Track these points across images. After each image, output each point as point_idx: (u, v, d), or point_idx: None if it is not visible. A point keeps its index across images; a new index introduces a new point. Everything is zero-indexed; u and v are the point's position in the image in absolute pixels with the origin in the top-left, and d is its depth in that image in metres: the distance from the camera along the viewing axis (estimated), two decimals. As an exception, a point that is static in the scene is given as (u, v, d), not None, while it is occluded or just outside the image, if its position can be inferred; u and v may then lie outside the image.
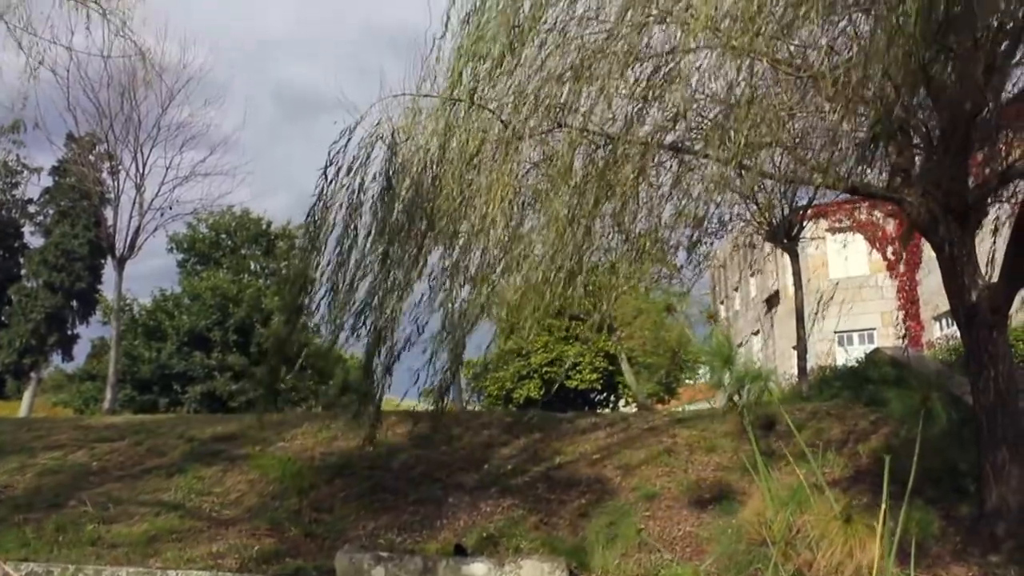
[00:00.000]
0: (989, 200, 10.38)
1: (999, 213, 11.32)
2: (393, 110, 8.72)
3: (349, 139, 8.70)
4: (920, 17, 6.39)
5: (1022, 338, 22.08)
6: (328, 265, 9.29)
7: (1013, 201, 10.86)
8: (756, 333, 38.42)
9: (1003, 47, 8.21)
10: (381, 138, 8.68)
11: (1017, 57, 8.38)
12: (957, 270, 9.73)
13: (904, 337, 29.77)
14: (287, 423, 15.54)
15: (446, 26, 8.47)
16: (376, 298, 9.07)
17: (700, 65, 7.98)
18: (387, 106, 8.66)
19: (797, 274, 19.63)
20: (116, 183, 25.38)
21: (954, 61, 7.87)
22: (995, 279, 9.98)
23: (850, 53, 7.74)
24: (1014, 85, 9.35)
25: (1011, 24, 7.60)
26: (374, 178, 8.74)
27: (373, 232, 9.04)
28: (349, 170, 8.81)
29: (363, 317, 9.21)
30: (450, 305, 8.78)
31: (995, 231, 11.27)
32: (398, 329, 9.25)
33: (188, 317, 29.92)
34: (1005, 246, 9.90)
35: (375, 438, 11.40)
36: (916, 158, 9.89)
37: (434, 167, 8.35)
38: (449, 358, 8.96)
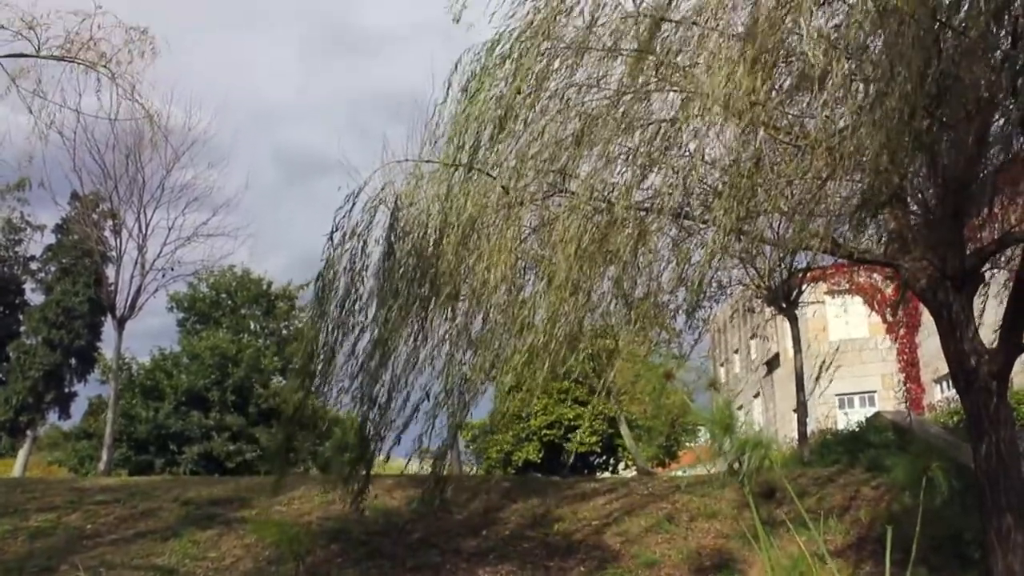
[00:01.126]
0: (987, 266, 10.45)
1: (998, 278, 11.40)
2: (396, 175, 8.85)
3: (353, 204, 8.83)
4: (914, 89, 6.53)
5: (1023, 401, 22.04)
6: (331, 328, 9.32)
7: (1010, 267, 10.93)
8: (757, 396, 38.25)
9: (995, 117, 8.35)
10: (384, 203, 8.79)
11: (1009, 127, 8.52)
12: (956, 335, 9.74)
13: (905, 401, 29.63)
14: (286, 485, 15.38)
15: (447, 93, 8.64)
16: (374, 362, 9.07)
17: (700, 132, 8.12)
18: (390, 171, 8.80)
19: (796, 338, 19.64)
20: (119, 243, 25.55)
21: (948, 131, 8.00)
22: (994, 344, 9.98)
23: (847, 122, 7.87)
24: (1008, 153, 9.49)
25: (1001, 96, 7.74)
26: (377, 242, 8.83)
27: (375, 296, 9.09)
28: (353, 235, 8.91)
29: (360, 380, 9.21)
30: (451, 369, 8.78)
31: (988, 295, 11.32)
32: (395, 393, 9.23)
33: (187, 376, 29.80)
34: (1003, 311, 9.93)
35: (363, 503, 11.26)
36: (913, 224, 9.98)
37: (436, 232, 8.44)
38: (448, 423, 8.92)
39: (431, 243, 8.47)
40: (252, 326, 34.60)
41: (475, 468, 33.04)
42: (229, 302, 34.80)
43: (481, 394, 9.24)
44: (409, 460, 9.93)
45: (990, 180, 9.11)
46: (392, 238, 8.76)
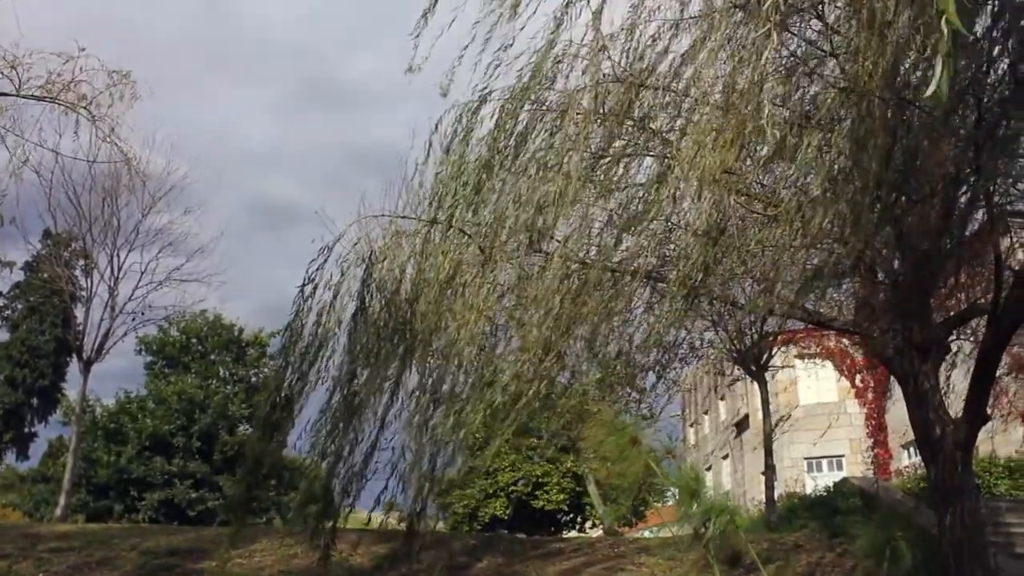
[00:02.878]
0: (953, 336, 10.64)
1: (965, 347, 11.59)
2: (372, 229, 8.90)
3: (327, 256, 8.85)
4: (880, 166, 6.72)
5: (988, 469, 22.19)
6: (299, 381, 9.28)
7: (975, 338, 11.13)
8: (726, 457, 38.26)
9: (960, 192, 8.59)
10: (360, 257, 8.83)
11: (972, 202, 8.76)
12: (922, 404, 9.87)
13: (869, 467, 29.77)
14: (246, 538, 15.10)
15: (428, 152, 8.76)
16: (342, 415, 9.03)
17: (676, 197, 8.28)
18: (366, 224, 8.85)
19: (765, 401, 19.77)
20: (89, 283, 25.31)
21: (914, 205, 8.22)
22: (960, 414, 10.12)
23: (817, 193, 8.06)
24: (972, 227, 9.74)
25: (965, 172, 7.98)
26: (350, 296, 8.85)
27: (346, 350, 9.08)
28: (326, 287, 8.93)
29: (328, 434, 9.14)
30: (422, 427, 8.76)
31: (956, 364, 11.50)
32: (364, 448, 9.17)
33: (152, 421, 29.37)
34: (969, 381, 10.08)
35: (329, 559, 11.08)
36: (881, 293, 10.17)
37: (410, 288, 8.49)
38: (421, 480, 8.88)
39: (405, 299, 8.51)
40: (221, 372, 34.25)
41: (441, 523, 32.66)
42: (199, 347, 34.46)
43: (452, 451, 9.19)
44: (370, 513, 9.79)
45: (955, 253, 9.33)
46: (365, 292, 8.78)
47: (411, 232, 8.72)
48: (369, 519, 10.15)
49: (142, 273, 24.75)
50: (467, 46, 8.20)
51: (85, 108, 14.69)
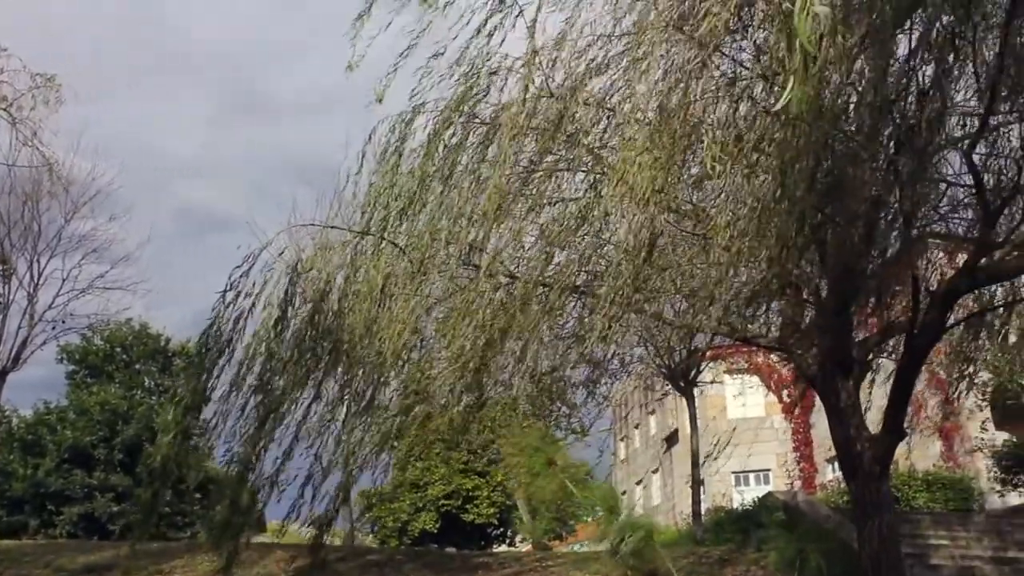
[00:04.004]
0: (873, 354, 10.92)
1: (885, 365, 11.89)
2: (301, 239, 8.80)
3: (252, 264, 8.71)
4: (806, 188, 6.89)
5: (907, 483, 22.85)
6: (214, 389, 9.10)
7: (894, 356, 11.44)
8: (655, 471, 38.65)
9: (880, 216, 8.84)
10: (287, 265, 8.70)
11: (893, 226, 9.02)
12: (843, 421, 10.10)
13: (795, 481, 30.38)
14: (167, 553, 14.73)
15: (361, 163, 8.70)
16: (257, 424, 8.87)
17: (607, 213, 8.35)
18: (295, 234, 8.74)
19: (693, 416, 20.05)
20: (7, 290, 24.42)
21: (837, 227, 8.43)
22: (879, 430, 10.37)
23: (746, 210, 8.20)
24: (891, 249, 10.02)
25: (885, 196, 8.21)
26: (273, 304, 8.70)
27: (266, 358, 8.92)
28: (248, 295, 8.78)
29: (243, 442, 8.97)
30: (345, 437, 8.65)
31: (874, 382, 11.80)
32: (278, 457, 9.02)
33: (72, 432, 28.38)
34: (887, 399, 10.35)
35: (230, 571, 10.81)
36: (806, 312, 10.39)
37: (338, 299, 8.40)
38: (337, 490, 8.76)
39: (331, 309, 8.42)
40: (147, 382, 33.30)
41: (370, 537, 32.26)
42: (124, 356, 33.48)
43: (375, 463, 9.11)
44: (283, 523, 9.61)
45: (876, 274, 9.59)
46: (288, 301, 8.67)
47: (341, 243, 8.64)
48: (282, 528, 9.98)
49: (64, 280, 24.01)
50: (403, 53, 8.20)
51: (5, 110, 14.26)
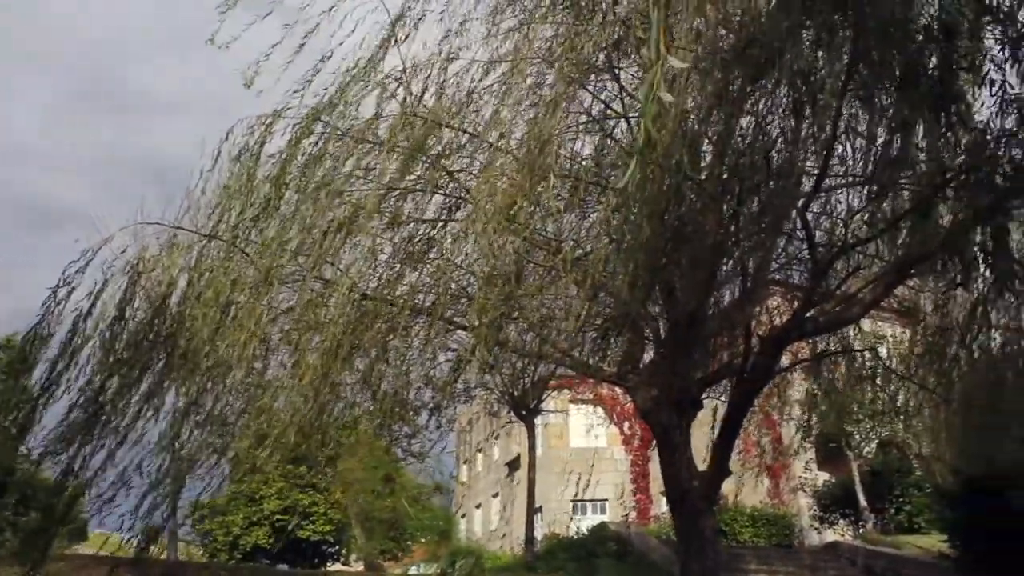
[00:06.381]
0: (705, 393, 11.39)
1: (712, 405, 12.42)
2: (146, 237, 8.40)
3: (90, 260, 8.25)
4: (654, 232, 7.15)
5: (735, 518, 23.88)
6: (37, 388, 8.54)
7: (723, 398, 11.99)
8: (496, 495, 38.86)
9: (722, 262, 9.27)
10: (128, 264, 8.30)
11: (732, 273, 9.48)
12: (673, 456, 10.45)
13: (630, 512, 31.17)
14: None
15: (216, 161, 8.43)
16: (81, 427, 8.37)
17: (459, 237, 8.40)
18: (139, 232, 8.34)
19: (532, 446, 20.31)
20: None
21: (682, 270, 8.79)
22: (705, 465, 10.79)
23: (597, 247, 8.43)
24: (732, 293, 10.52)
25: (728, 244, 8.62)
26: (110, 303, 8.27)
27: (96, 359, 8.45)
28: (82, 292, 8.31)
29: (66, 445, 8.45)
30: (176, 445, 8.28)
31: (704, 421, 12.30)
32: (102, 462, 8.54)
33: None
34: (715, 437, 10.80)
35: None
36: (645, 349, 10.74)
37: (179, 302, 8.07)
38: (164, 501, 8.37)
39: (172, 313, 8.08)
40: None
41: (201, 552, 30.86)
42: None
43: (209, 474, 8.76)
44: (108, 534, 9.09)
45: (714, 317, 10.03)
46: (127, 301, 8.26)
47: (187, 244, 8.31)
48: (106, 539, 9.43)
49: None
50: (275, 45, 8.07)
51: None
